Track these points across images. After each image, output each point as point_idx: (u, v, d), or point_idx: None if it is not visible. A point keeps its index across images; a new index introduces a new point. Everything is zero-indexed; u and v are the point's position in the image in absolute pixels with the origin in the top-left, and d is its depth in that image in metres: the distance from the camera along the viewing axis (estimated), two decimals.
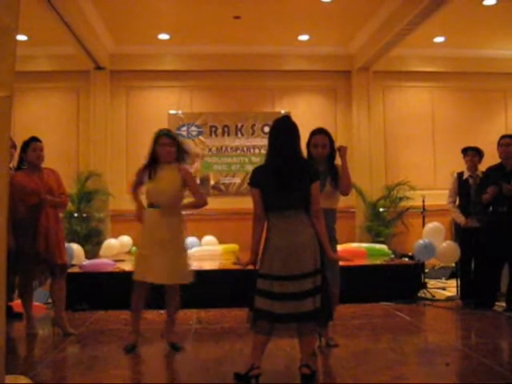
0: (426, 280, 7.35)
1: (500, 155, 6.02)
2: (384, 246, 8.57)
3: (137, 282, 4.39)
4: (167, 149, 4.43)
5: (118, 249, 8.75)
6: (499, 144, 6.02)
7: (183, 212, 4.57)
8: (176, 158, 4.49)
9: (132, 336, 4.51)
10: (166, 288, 4.47)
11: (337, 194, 4.48)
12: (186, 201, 4.58)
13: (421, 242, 7.01)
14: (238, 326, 5.21)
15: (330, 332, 4.55)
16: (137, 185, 4.64)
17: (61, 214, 5.38)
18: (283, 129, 3.63)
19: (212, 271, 6.94)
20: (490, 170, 6.12)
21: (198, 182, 10.21)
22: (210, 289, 6.12)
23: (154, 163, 4.48)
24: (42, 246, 4.84)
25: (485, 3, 8.11)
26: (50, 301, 5.78)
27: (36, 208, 4.85)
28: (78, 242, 8.07)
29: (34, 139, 5.00)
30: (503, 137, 6.09)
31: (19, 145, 5.01)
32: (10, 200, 2.72)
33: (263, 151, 3.46)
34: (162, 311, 5.90)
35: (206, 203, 4.57)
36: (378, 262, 7.44)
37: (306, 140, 4.40)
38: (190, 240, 9.00)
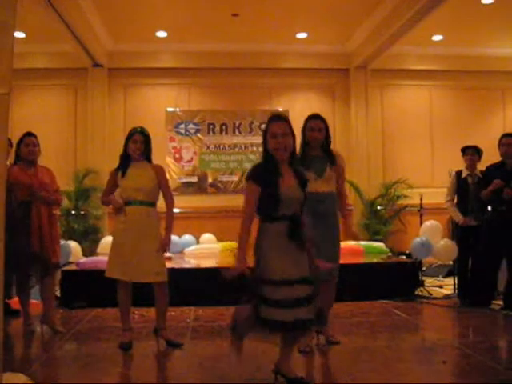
0: (424, 278, 7.35)
1: (501, 154, 6.02)
2: (381, 244, 8.59)
3: (116, 279, 4.45)
4: (138, 146, 4.49)
5: None
6: (500, 143, 6.02)
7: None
8: (144, 155, 4.55)
9: (125, 334, 4.51)
10: (153, 285, 4.47)
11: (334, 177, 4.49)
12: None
13: (418, 240, 7.03)
14: None
15: (330, 329, 4.56)
16: (109, 193, 4.68)
17: (58, 212, 5.37)
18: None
19: (210, 269, 6.93)
20: (491, 168, 6.13)
21: (196, 179, 10.25)
22: (207, 286, 6.12)
23: (126, 161, 4.55)
24: (37, 246, 4.82)
25: (483, 2, 8.10)
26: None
27: (28, 205, 4.83)
28: (76, 240, 8.07)
29: (28, 134, 5.00)
30: (504, 136, 6.08)
31: (16, 142, 5.01)
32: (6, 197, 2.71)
33: (261, 149, 3.41)
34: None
35: (173, 204, 4.61)
36: (376, 259, 7.45)
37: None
38: (187, 238, 9.02)
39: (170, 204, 4.58)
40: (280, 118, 3.43)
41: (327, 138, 4.48)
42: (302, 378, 3.41)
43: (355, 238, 4.93)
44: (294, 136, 3.41)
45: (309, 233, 3.42)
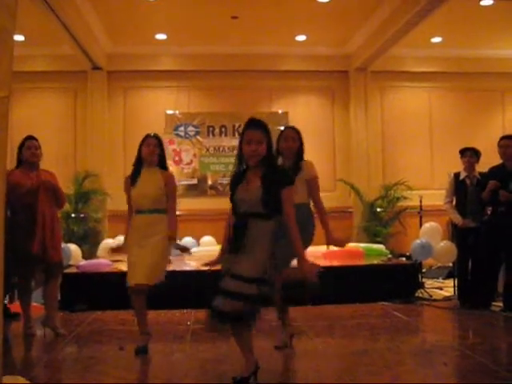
0: (424, 280, 7.35)
1: (500, 156, 6.03)
2: (381, 246, 8.59)
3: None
4: (152, 149, 4.51)
5: None
6: (499, 145, 6.03)
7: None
8: (158, 162, 4.58)
9: (140, 337, 4.50)
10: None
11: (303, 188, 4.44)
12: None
13: (418, 241, 7.03)
14: None
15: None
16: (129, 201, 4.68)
17: (58, 214, 5.37)
18: None
19: (210, 271, 6.91)
20: (492, 170, 6.15)
21: (196, 182, 10.25)
22: (208, 289, 6.10)
23: (139, 166, 4.58)
24: (38, 248, 4.83)
25: (482, 3, 8.12)
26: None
27: (31, 208, 4.84)
28: (76, 243, 8.07)
29: (29, 138, 5.03)
30: (503, 138, 6.09)
31: (17, 146, 5.02)
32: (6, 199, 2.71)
33: None
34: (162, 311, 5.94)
35: (174, 210, 4.64)
36: (376, 261, 7.44)
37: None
38: (187, 240, 9.00)
39: (171, 209, 4.59)
40: (256, 125, 3.50)
41: (301, 148, 4.50)
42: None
43: (340, 244, 4.76)
44: (270, 142, 3.53)
45: (292, 233, 3.42)
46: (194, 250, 8.54)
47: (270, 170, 3.48)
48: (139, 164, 4.59)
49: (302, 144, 4.50)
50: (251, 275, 3.33)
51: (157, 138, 4.61)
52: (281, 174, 3.53)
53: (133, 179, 4.57)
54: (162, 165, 4.64)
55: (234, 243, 3.45)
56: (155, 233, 4.45)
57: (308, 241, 4.24)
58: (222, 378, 3.67)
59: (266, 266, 3.39)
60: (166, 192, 4.55)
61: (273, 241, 3.44)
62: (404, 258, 7.95)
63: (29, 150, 4.97)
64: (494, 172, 6.06)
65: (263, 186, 3.41)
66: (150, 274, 4.38)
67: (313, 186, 4.44)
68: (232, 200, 3.56)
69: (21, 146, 5.00)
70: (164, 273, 4.48)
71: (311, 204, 4.48)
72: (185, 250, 4.73)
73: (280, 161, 4.43)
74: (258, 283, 3.33)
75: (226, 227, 3.68)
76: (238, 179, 3.55)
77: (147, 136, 4.59)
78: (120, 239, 8.90)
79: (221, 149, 10.41)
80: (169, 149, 10.23)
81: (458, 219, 6.45)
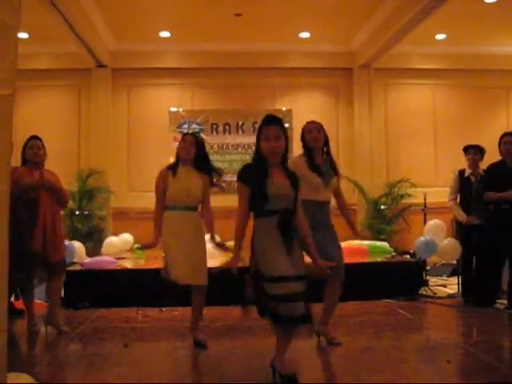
0: (428, 277, 7.35)
1: (502, 153, 6.02)
2: (385, 244, 8.57)
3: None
4: (187, 146, 4.49)
5: (119, 246, 8.75)
6: (501, 142, 6.02)
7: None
8: (194, 161, 4.54)
9: (195, 333, 4.52)
10: (192, 287, 4.47)
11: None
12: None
13: (422, 239, 7.01)
14: (240, 323, 5.21)
15: (332, 330, 4.55)
16: (162, 200, 4.54)
17: (62, 212, 5.38)
18: None
19: (214, 269, 6.92)
20: (492, 167, 6.13)
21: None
22: (212, 286, 6.11)
23: (176, 165, 4.56)
24: (39, 245, 4.83)
25: (486, 0, 8.09)
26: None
27: (33, 205, 4.84)
28: (80, 240, 8.08)
29: (32, 138, 5.07)
30: (505, 135, 6.08)
31: (21, 145, 5.04)
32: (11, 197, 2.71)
33: None
34: (164, 309, 5.95)
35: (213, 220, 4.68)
36: (380, 259, 7.45)
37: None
38: None
39: (209, 208, 4.65)
40: (273, 121, 3.52)
41: (327, 144, 4.50)
42: (295, 375, 3.39)
43: (364, 238, 5.03)
44: (287, 138, 3.51)
45: (305, 229, 3.53)
46: None
47: (290, 171, 3.55)
48: (177, 161, 4.57)
49: (327, 138, 4.51)
50: (302, 273, 3.38)
51: (195, 136, 4.62)
52: (296, 177, 3.57)
53: (173, 173, 4.51)
54: (202, 164, 4.58)
55: (288, 236, 3.38)
56: (191, 231, 4.45)
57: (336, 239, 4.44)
58: (227, 375, 3.68)
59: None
60: (204, 191, 4.54)
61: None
62: (408, 256, 7.94)
63: (31, 150, 5.00)
64: (495, 170, 6.06)
65: (292, 185, 3.46)
66: (195, 275, 4.38)
67: (339, 184, 4.62)
68: (259, 194, 3.40)
69: (25, 146, 5.04)
70: (206, 274, 4.46)
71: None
72: (221, 246, 4.72)
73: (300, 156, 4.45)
74: (304, 279, 3.38)
75: (240, 227, 3.51)
76: (256, 172, 3.46)
77: (185, 134, 4.65)
78: (124, 237, 8.94)
79: (224, 146, 10.41)
80: (173, 146, 10.22)
81: (462, 216, 6.45)
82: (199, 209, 4.62)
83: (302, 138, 4.47)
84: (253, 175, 3.46)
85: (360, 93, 10.49)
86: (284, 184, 3.43)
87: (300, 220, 3.54)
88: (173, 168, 4.53)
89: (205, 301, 4.53)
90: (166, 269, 4.39)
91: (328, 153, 4.52)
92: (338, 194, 4.65)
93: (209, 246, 4.62)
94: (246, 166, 3.60)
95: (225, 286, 6.27)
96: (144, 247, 4.60)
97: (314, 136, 4.40)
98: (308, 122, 4.56)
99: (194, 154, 4.53)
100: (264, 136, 3.48)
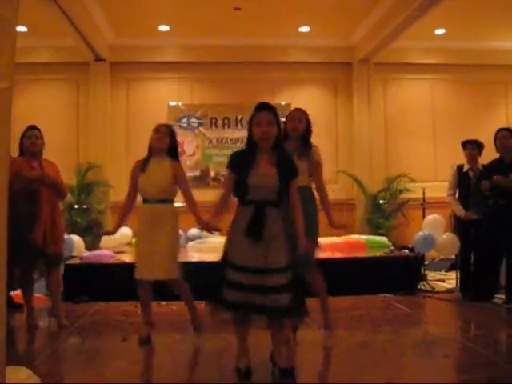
0: (426, 272, 7.36)
1: (498, 149, 6.02)
2: (384, 238, 8.59)
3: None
4: (161, 136, 4.48)
5: (118, 240, 8.73)
6: (496, 137, 6.03)
7: (176, 205, 4.61)
8: (168, 151, 4.53)
9: (144, 328, 4.52)
10: (168, 284, 4.49)
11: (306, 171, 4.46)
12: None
13: (421, 234, 7.02)
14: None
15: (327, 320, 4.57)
16: (133, 193, 4.62)
17: (61, 206, 5.38)
18: None
19: (213, 263, 6.93)
20: (491, 164, 6.15)
21: (199, 173, 10.24)
22: (210, 281, 6.11)
23: (147, 158, 4.55)
24: (40, 238, 4.84)
25: None
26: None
27: (33, 198, 4.83)
28: (78, 234, 8.07)
29: (30, 128, 5.04)
30: (500, 130, 6.10)
31: (19, 136, 5.02)
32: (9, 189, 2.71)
33: None
34: (164, 303, 5.95)
35: (196, 204, 4.59)
36: (378, 253, 7.46)
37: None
38: (193, 232, 9.00)
39: (188, 195, 4.58)
40: (266, 108, 3.50)
41: (308, 131, 4.50)
42: (293, 368, 3.42)
43: (343, 227, 4.86)
44: (279, 125, 3.50)
45: (295, 215, 3.50)
46: (197, 241, 8.56)
47: (282, 158, 3.49)
48: (149, 154, 4.55)
49: (309, 126, 4.49)
50: (285, 264, 3.35)
51: (168, 127, 4.62)
52: (291, 165, 3.54)
53: (143, 166, 4.51)
54: (173, 155, 4.58)
55: (254, 233, 3.37)
56: (163, 225, 4.42)
57: (315, 224, 4.35)
58: (225, 370, 3.68)
59: (292, 250, 3.44)
60: (177, 180, 4.51)
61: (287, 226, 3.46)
62: (406, 250, 7.94)
63: (29, 139, 4.97)
64: (493, 165, 6.06)
65: (279, 175, 3.41)
66: (161, 271, 4.37)
67: (319, 171, 4.51)
68: (241, 183, 3.44)
69: (22, 136, 5.00)
70: (176, 269, 4.47)
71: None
72: (208, 226, 4.68)
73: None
74: (291, 269, 3.37)
75: (219, 205, 3.67)
76: (243, 160, 3.48)
77: (158, 125, 4.59)
78: (123, 230, 8.93)
79: (223, 140, 10.40)
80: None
81: (460, 211, 6.45)
82: (174, 201, 4.60)
83: (285, 124, 4.43)
84: (239, 163, 3.50)
85: (359, 87, 10.47)
86: (269, 173, 3.40)
87: (291, 206, 3.50)
88: (144, 161, 4.53)
89: (191, 295, 4.59)
90: (137, 266, 4.46)
91: (306, 141, 4.48)
92: (316, 180, 4.55)
93: (218, 239, 4.61)
94: (233, 154, 3.63)
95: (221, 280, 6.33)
96: (104, 233, 5.05)
97: (295, 125, 4.42)
98: (293, 110, 4.60)
99: (168, 145, 4.52)
100: (256, 122, 3.45)
